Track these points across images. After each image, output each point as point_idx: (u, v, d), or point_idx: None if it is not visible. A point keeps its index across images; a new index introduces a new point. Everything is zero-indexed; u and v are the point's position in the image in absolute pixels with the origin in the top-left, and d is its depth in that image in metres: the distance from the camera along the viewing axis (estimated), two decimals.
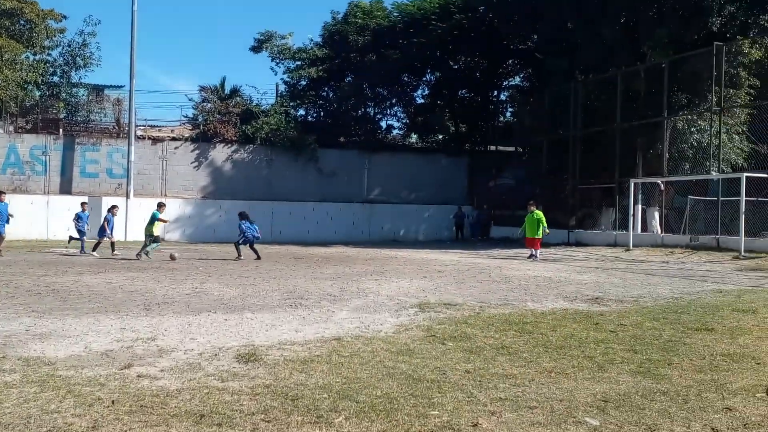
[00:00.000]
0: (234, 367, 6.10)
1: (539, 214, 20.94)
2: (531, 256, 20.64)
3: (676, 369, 6.15)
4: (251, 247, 19.45)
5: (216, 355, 6.63)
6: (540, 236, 20.86)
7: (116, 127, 32.64)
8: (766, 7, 23.74)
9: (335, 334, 7.69)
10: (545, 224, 20.88)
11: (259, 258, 19.07)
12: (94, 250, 20.42)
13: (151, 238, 19.46)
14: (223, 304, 10.16)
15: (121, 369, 6.00)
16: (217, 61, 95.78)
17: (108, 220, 21.09)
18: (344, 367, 6.08)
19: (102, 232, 21.08)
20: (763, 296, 11.25)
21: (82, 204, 23.00)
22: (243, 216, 19.79)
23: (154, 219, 19.76)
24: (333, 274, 15.09)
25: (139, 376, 5.76)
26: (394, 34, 36.02)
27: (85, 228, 22.05)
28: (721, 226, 22.25)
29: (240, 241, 19.44)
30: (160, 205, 20.50)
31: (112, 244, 21.03)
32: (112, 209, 21.66)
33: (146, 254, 19.07)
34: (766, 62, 24.74)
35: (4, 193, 21.26)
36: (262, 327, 8.22)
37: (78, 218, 22.09)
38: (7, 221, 19.88)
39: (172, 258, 18.59)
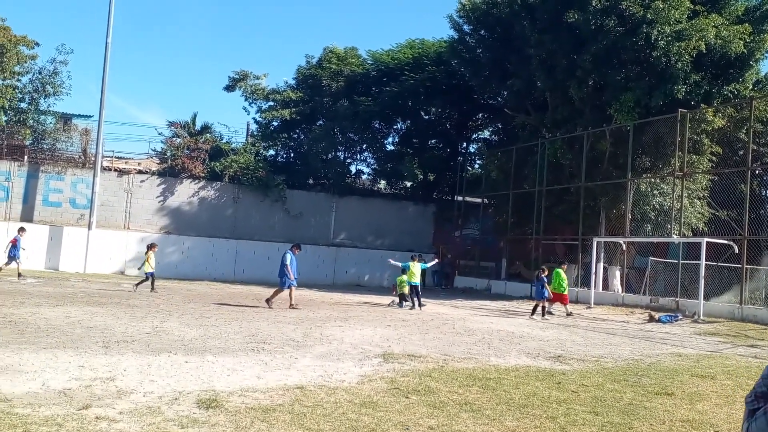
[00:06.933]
0: (194, 413, 6.00)
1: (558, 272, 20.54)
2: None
3: None
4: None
5: (176, 399, 6.52)
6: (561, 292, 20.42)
7: (82, 157, 32.22)
8: (729, 78, 24.56)
9: (298, 383, 7.61)
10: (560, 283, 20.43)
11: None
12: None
13: None
14: (184, 345, 10.00)
15: (79, 409, 5.87)
16: (189, 97, 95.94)
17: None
18: (307, 418, 6.02)
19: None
20: (721, 362, 11.41)
21: (20, 230, 23.48)
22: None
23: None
24: (296, 318, 14.95)
25: (97, 417, 5.64)
26: (367, 82, 36.58)
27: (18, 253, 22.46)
28: (680, 288, 22.62)
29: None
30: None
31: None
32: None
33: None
34: (728, 131, 25.40)
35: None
36: (223, 371, 8.10)
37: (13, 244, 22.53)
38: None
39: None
